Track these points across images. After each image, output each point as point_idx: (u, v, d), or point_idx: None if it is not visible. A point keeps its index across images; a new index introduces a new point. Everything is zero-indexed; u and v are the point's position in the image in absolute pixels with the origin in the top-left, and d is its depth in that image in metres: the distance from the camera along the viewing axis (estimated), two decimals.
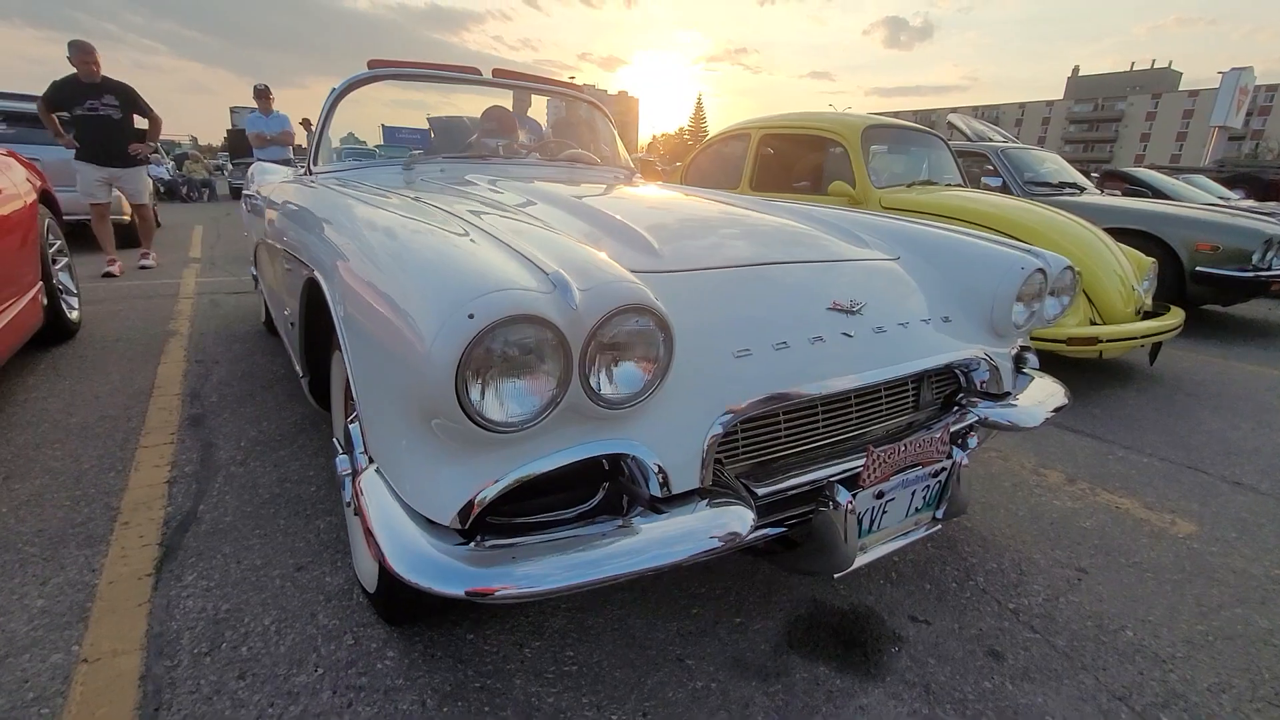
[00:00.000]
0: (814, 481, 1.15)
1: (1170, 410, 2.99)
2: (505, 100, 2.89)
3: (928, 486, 1.30)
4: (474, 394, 0.81)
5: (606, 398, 0.91)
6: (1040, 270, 1.58)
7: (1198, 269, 4.30)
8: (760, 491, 1.09)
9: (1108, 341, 2.92)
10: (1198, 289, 4.34)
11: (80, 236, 5.25)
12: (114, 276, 5.16)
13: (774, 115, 4.71)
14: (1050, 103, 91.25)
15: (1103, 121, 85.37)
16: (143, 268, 5.62)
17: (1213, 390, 3.33)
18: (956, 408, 1.48)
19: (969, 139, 5.62)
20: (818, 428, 1.25)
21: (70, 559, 1.60)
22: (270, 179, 2.81)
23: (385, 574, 1.20)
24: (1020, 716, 1.24)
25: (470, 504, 0.89)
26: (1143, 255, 3.54)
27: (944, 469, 1.31)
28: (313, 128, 2.51)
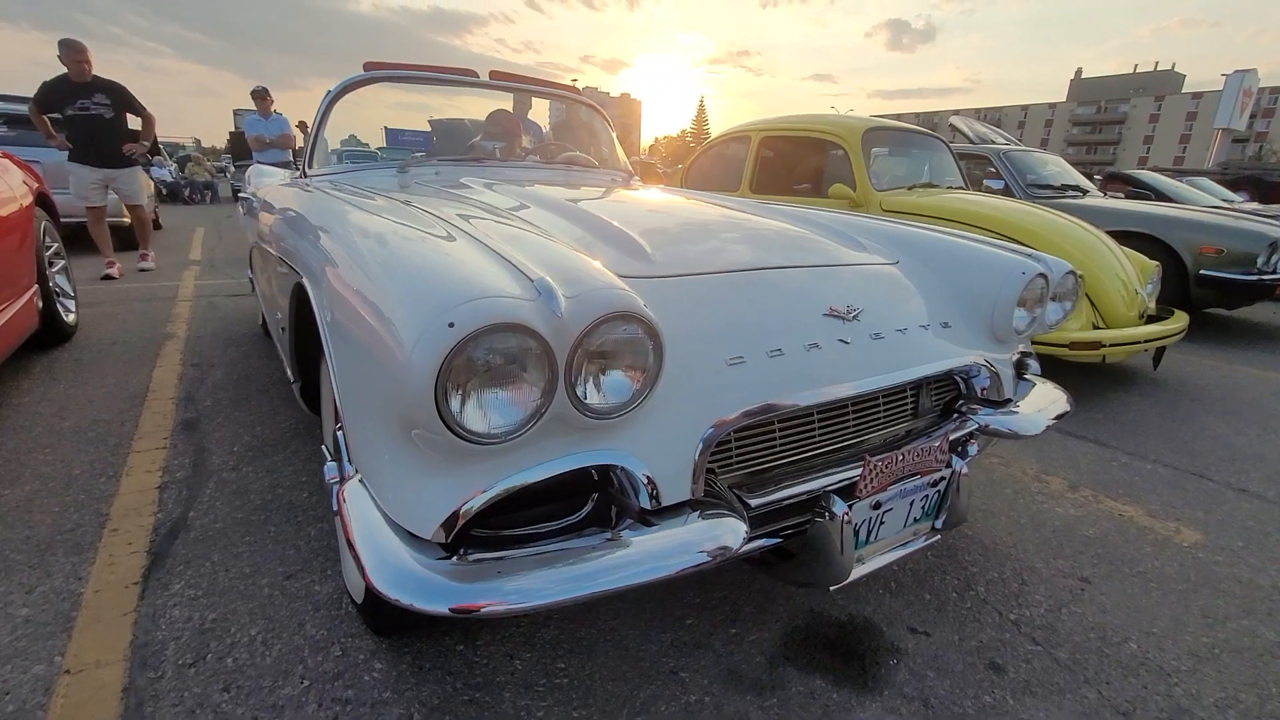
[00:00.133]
0: (809, 492, 1.12)
1: (1174, 416, 2.96)
2: (506, 103, 2.88)
3: (926, 496, 1.27)
4: (454, 404, 0.78)
5: (594, 408, 0.88)
6: (1042, 275, 1.55)
7: (1202, 272, 4.26)
8: (753, 503, 1.06)
9: (1111, 346, 2.89)
10: (1201, 292, 4.30)
11: (80, 239, 5.23)
12: (113, 279, 5.15)
13: (774, 117, 4.69)
14: (1053, 105, 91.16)
15: (1105, 124, 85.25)
16: (142, 270, 5.59)
17: (1217, 395, 3.30)
18: (956, 415, 1.45)
19: (971, 141, 5.59)
20: (814, 436, 1.22)
21: (57, 566, 1.58)
22: (266, 181, 2.79)
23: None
24: None
25: (454, 517, 0.86)
26: (1146, 258, 3.51)
27: (943, 478, 1.29)
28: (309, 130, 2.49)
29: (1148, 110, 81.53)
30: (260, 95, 6.57)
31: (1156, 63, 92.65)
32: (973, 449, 1.49)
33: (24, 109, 5.82)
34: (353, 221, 1.28)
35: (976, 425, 1.43)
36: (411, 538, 0.88)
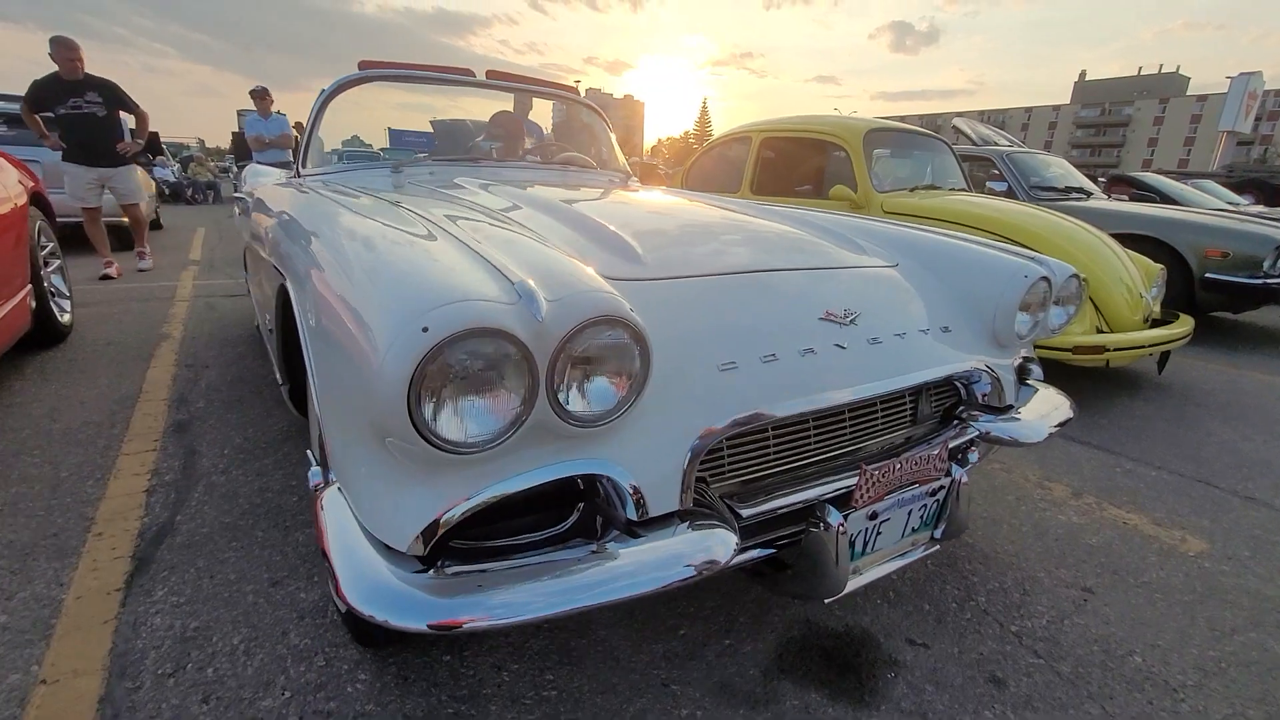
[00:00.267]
0: (803, 502, 1.09)
1: (1179, 421, 2.92)
2: (507, 104, 2.86)
3: (925, 506, 1.24)
4: (428, 412, 0.75)
5: (577, 415, 0.85)
6: (1045, 278, 1.52)
7: (1207, 275, 4.22)
8: (745, 513, 1.03)
9: (1115, 350, 2.85)
10: (1207, 296, 4.26)
11: (79, 238, 5.21)
12: (111, 279, 5.13)
13: (775, 118, 4.66)
14: (1057, 107, 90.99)
15: (1109, 126, 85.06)
16: (141, 270, 5.56)
17: (1223, 400, 3.25)
18: (956, 422, 1.41)
19: (974, 143, 5.55)
20: (809, 444, 1.19)
21: (39, 572, 1.55)
22: (261, 181, 2.77)
23: None
24: None
25: (431, 528, 0.83)
26: (1151, 261, 3.47)
27: (942, 487, 1.25)
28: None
29: (1152, 113, 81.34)
30: (259, 95, 6.54)
31: (1161, 65, 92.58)
32: (973, 456, 1.46)
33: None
34: (335, 222, 1.25)
35: (977, 432, 1.39)
36: (389, 550, 0.84)
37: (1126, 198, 6.97)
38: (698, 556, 0.89)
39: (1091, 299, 3.01)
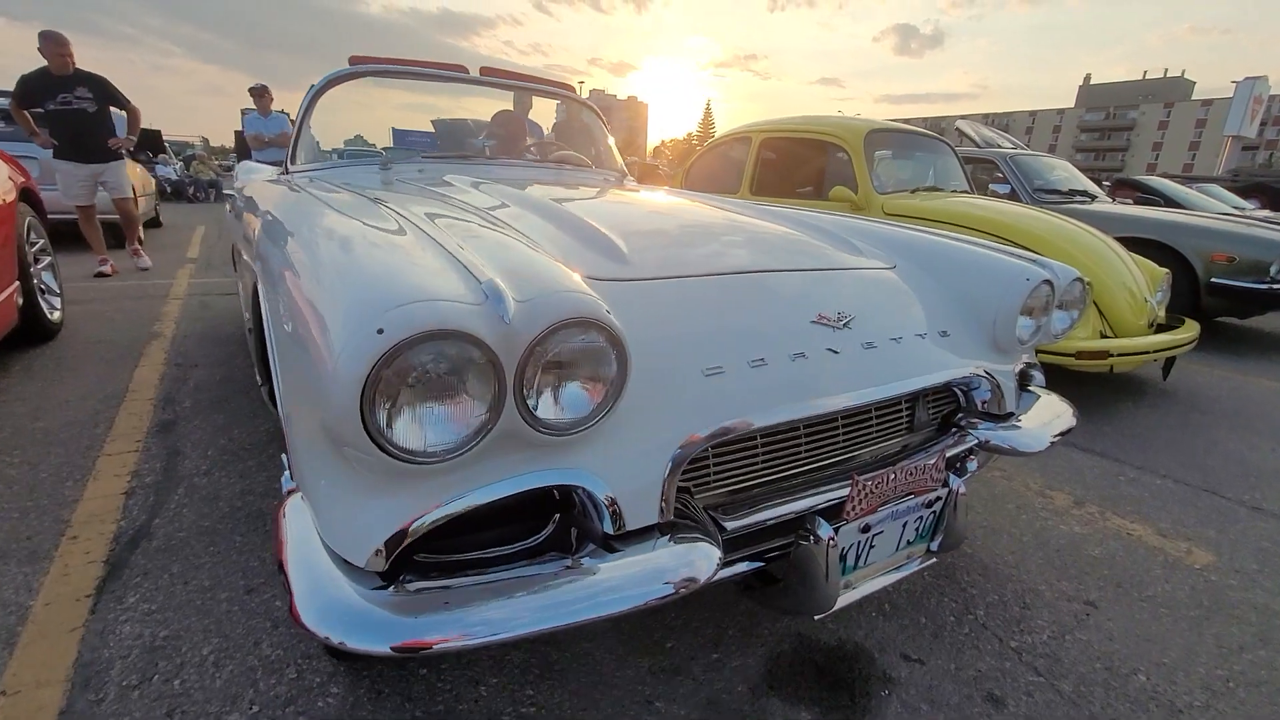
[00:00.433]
0: (792, 514, 1.04)
1: (1184, 428, 2.86)
2: (507, 103, 2.83)
3: (921, 518, 1.18)
4: (382, 419, 0.70)
5: (549, 423, 0.80)
6: (1047, 281, 1.47)
7: (1213, 280, 4.16)
8: (729, 526, 0.98)
9: (1119, 355, 2.79)
10: (1213, 301, 4.20)
11: (76, 235, 5.17)
12: (106, 276, 5.09)
13: (776, 119, 4.61)
14: (1061, 111, 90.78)
15: (1114, 130, 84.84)
16: (141, 269, 5.47)
17: (1229, 407, 3.19)
18: (955, 429, 1.36)
19: (977, 145, 5.50)
20: (800, 452, 1.14)
21: (8, 577, 1.50)
22: (251, 178, 2.73)
23: None
24: None
25: (393, 542, 0.78)
26: (1156, 266, 3.41)
27: (939, 498, 1.20)
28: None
29: (1157, 117, 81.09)
30: (259, 93, 6.49)
31: (1166, 70, 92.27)
32: (972, 465, 1.41)
33: None
34: (306, 219, 1.20)
35: (976, 440, 1.34)
36: (350, 566, 0.80)
37: (1131, 201, 6.91)
38: (677, 573, 0.85)
39: (1095, 303, 2.96)
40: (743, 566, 1.07)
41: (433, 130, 2.97)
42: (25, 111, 4.49)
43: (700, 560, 0.88)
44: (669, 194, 2.26)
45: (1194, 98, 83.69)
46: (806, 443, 1.13)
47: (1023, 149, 5.46)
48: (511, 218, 1.36)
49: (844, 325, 1.19)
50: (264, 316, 1.07)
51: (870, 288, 1.41)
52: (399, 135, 3.13)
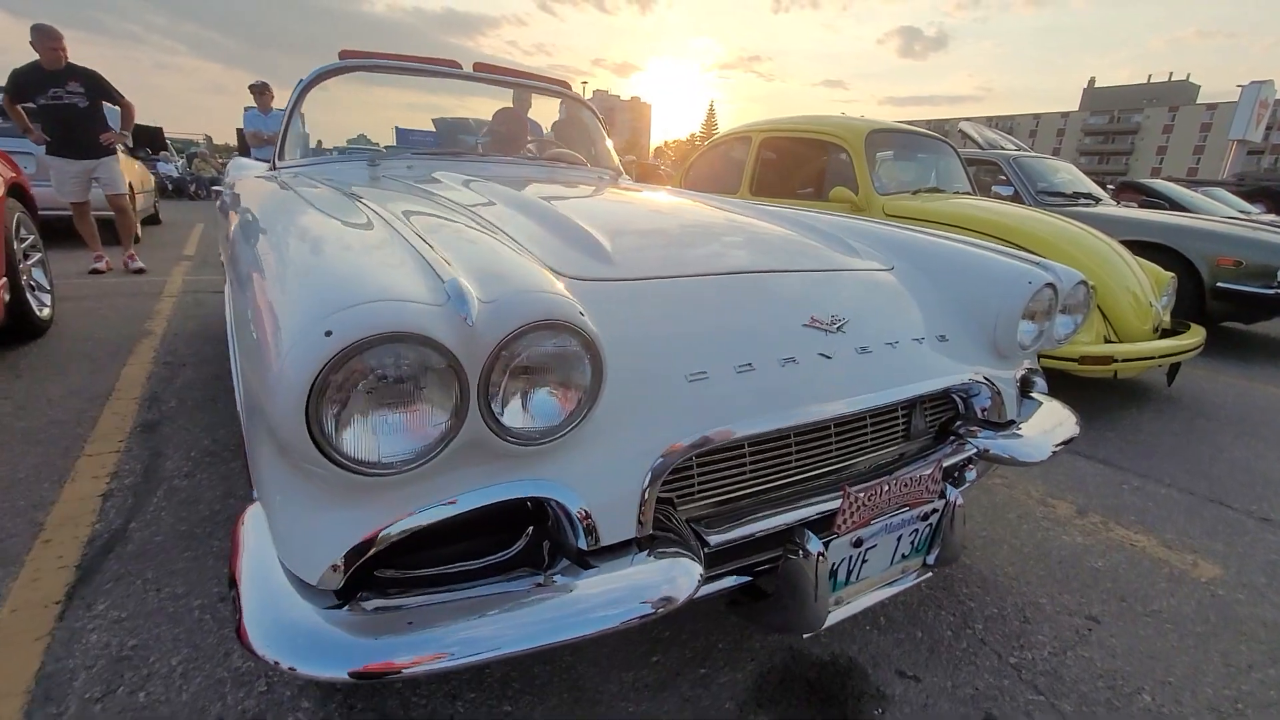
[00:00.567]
0: (779, 526, 0.99)
1: (1190, 435, 2.80)
2: (508, 101, 2.80)
3: (916, 531, 1.13)
4: (330, 428, 0.65)
5: (517, 432, 0.76)
6: (1050, 285, 1.41)
7: (1219, 285, 4.10)
8: (713, 540, 0.93)
9: (1123, 361, 2.74)
10: (1218, 306, 4.14)
11: (71, 231, 5.12)
12: (101, 273, 5.06)
13: (776, 118, 4.56)
14: (1065, 114, 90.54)
15: (1118, 134, 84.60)
16: (137, 271, 5.30)
17: (1235, 414, 3.13)
18: (953, 438, 1.31)
19: (980, 147, 5.44)
20: (791, 461, 1.09)
21: None
22: (240, 174, 2.68)
23: None
24: None
25: (352, 556, 0.73)
26: (1161, 270, 3.36)
27: (935, 510, 1.15)
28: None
29: (1161, 121, 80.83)
30: (260, 90, 6.45)
31: (1171, 73, 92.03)
32: (970, 475, 1.36)
33: None
34: (275, 216, 1.15)
35: (975, 449, 1.29)
36: (306, 585, 0.75)
37: (1136, 204, 6.84)
38: (655, 592, 0.80)
39: (1099, 307, 2.90)
40: (729, 581, 1.03)
41: (434, 129, 2.94)
42: (18, 106, 4.44)
43: (681, 578, 0.83)
44: (662, 193, 2.22)
45: (1199, 101, 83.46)
46: (797, 452, 1.08)
47: (1026, 151, 5.41)
48: (495, 215, 1.31)
49: (837, 329, 1.14)
50: (227, 315, 1.02)
51: (866, 290, 1.36)
52: (402, 134, 3.11)
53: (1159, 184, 7.81)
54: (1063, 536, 1.91)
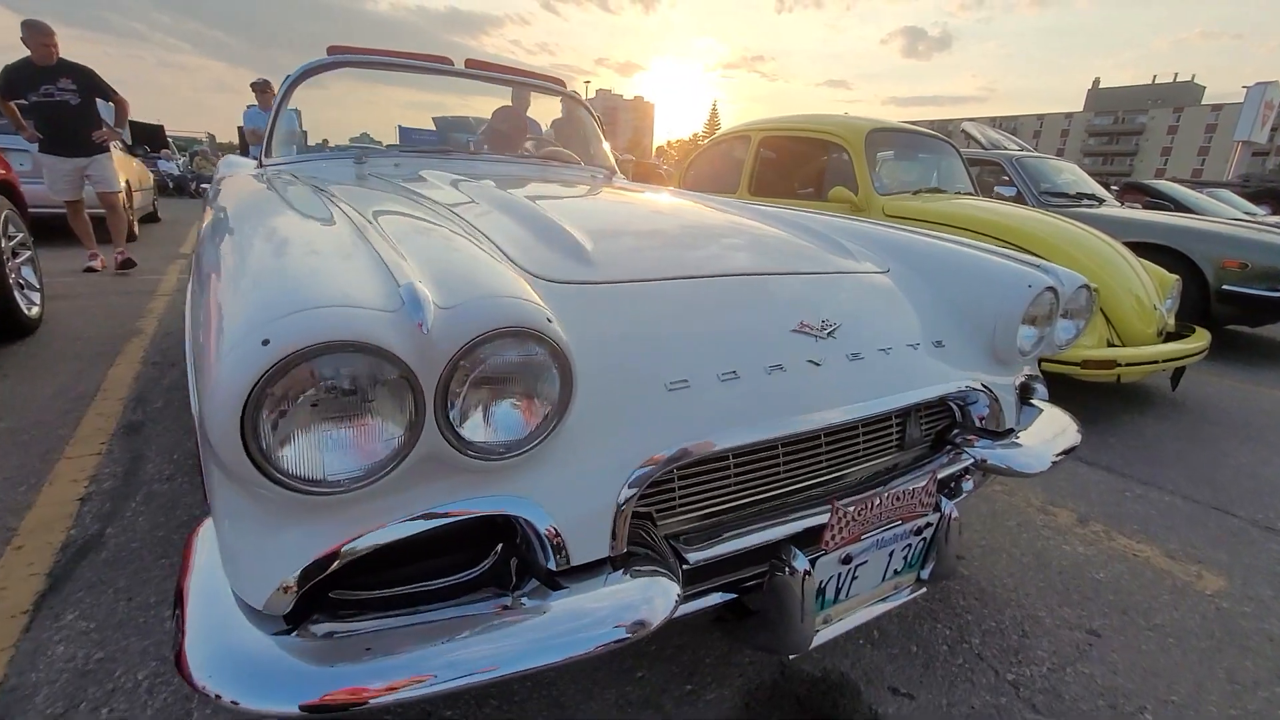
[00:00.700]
0: (763, 543, 0.94)
1: (1193, 441, 2.75)
2: (509, 99, 2.77)
3: (909, 546, 1.09)
4: (268, 443, 0.61)
5: (479, 446, 0.71)
6: (1051, 288, 1.37)
7: (1224, 287, 4.04)
8: (692, 558, 0.88)
9: (1126, 365, 2.68)
10: (1224, 308, 4.08)
11: (66, 229, 5.08)
12: (95, 271, 5.02)
13: (776, 117, 4.51)
14: (1069, 115, 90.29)
15: (1123, 134, 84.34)
16: (125, 264, 5.20)
17: (1240, 420, 3.08)
18: (949, 448, 1.27)
19: (983, 147, 5.39)
20: (779, 473, 1.04)
21: None
22: (229, 172, 2.64)
23: None
24: None
25: (305, 575, 0.69)
26: (1165, 272, 3.30)
27: (930, 524, 1.10)
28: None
29: (1166, 122, 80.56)
30: (261, 88, 6.41)
31: (1176, 74, 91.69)
32: (967, 485, 1.31)
33: None
34: (242, 215, 1.10)
35: (972, 459, 1.24)
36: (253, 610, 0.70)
37: (1140, 205, 6.78)
38: (629, 615, 0.75)
39: (1102, 310, 2.85)
40: (714, 599, 0.98)
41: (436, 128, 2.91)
42: (11, 103, 4.39)
43: (657, 598, 0.79)
44: (654, 193, 2.17)
45: (1204, 102, 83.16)
46: (785, 463, 1.04)
47: (1029, 151, 5.35)
48: (475, 215, 1.26)
49: (828, 334, 1.09)
50: (186, 316, 0.98)
51: (859, 293, 1.31)
52: (405, 133, 3.09)
53: (1163, 185, 7.75)
54: (1063, 546, 1.86)
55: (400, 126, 3.17)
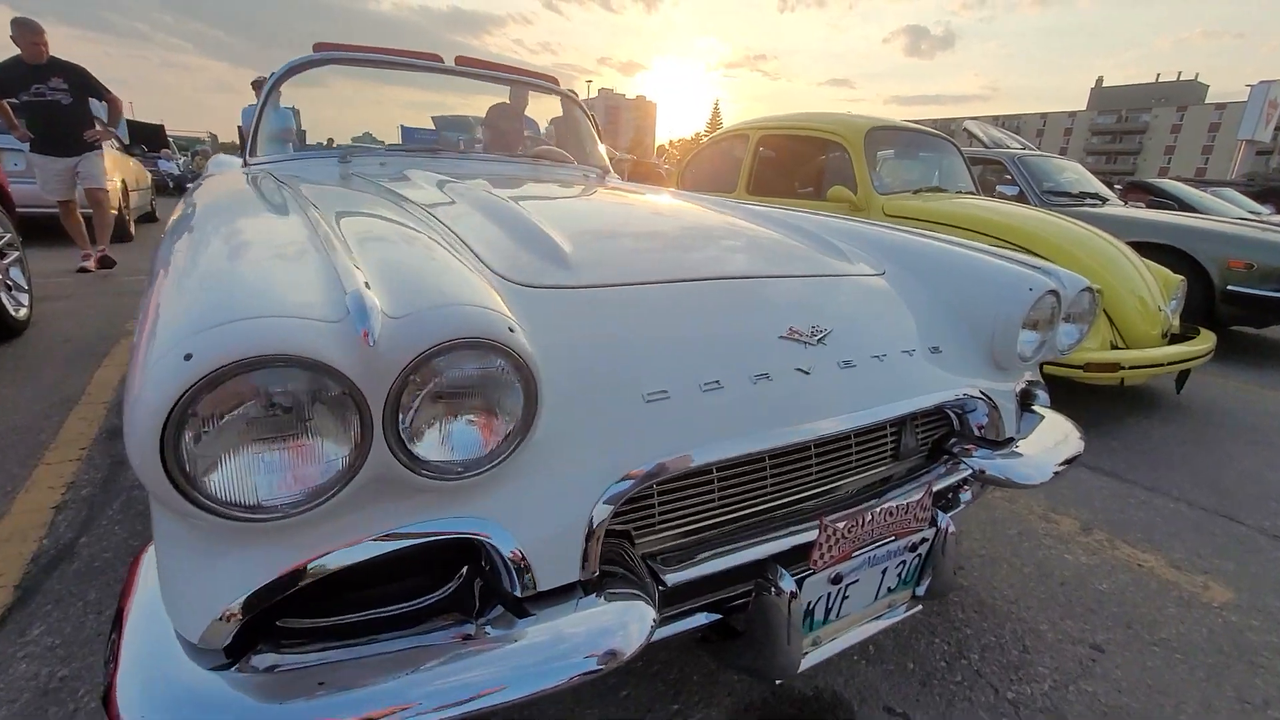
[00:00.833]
0: (745, 562, 0.89)
1: (1199, 445, 2.69)
2: (506, 98, 2.73)
3: (904, 562, 1.03)
4: (191, 466, 0.56)
5: (435, 466, 0.66)
6: (1053, 291, 1.31)
7: (1229, 288, 3.98)
8: (669, 579, 0.83)
9: (1130, 368, 2.62)
10: (1229, 309, 4.02)
11: (60, 229, 5.04)
12: (88, 271, 4.99)
13: (775, 115, 4.46)
14: (1073, 113, 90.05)
15: (1126, 133, 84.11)
16: (103, 265, 5.08)
17: (1246, 422, 3.02)
18: (946, 458, 1.21)
19: (985, 145, 5.33)
20: (765, 487, 0.99)
21: None
22: (217, 171, 2.60)
23: None
24: None
25: (248, 605, 0.64)
26: (1170, 272, 3.24)
27: (925, 539, 1.05)
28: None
29: (1169, 120, 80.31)
30: (260, 86, 6.38)
31: (1179, 73, 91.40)
32: (965, 496, 1.26)
33: None
34: (199, 217, 1.06)
35: (970, 470, 1.19)
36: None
37: (1144, 205, 6.72)
38: (600, 644, 0.70)
39: (1106, 312, 2.79)
40: (697, 619, 0.93)
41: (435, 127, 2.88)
42: (3, 102, 4.34)
43: (632, 624, 0.74)
44: (645, 193, 2.12)
45: (1207, 101, 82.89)
46: (773, 477, 0.99)
47: (1031, 150, 5.29)
48: (452, 216, 1.21)
49: (818, 340, 1.04)
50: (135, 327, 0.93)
51: (853, 297, 1.26)
52: (407, 132, 3.07)
53: (1167, 184, 7.68)
54: (1066, 555, 1.81)
55: (403, 126, 3.15)
